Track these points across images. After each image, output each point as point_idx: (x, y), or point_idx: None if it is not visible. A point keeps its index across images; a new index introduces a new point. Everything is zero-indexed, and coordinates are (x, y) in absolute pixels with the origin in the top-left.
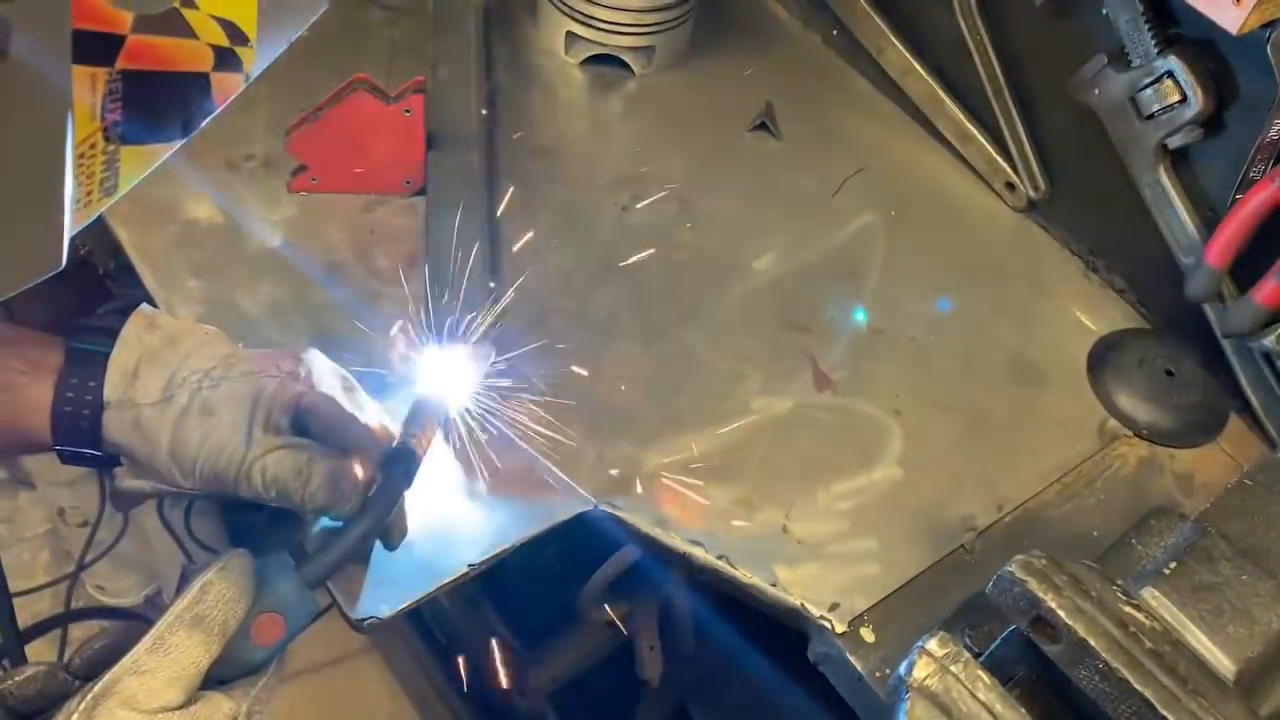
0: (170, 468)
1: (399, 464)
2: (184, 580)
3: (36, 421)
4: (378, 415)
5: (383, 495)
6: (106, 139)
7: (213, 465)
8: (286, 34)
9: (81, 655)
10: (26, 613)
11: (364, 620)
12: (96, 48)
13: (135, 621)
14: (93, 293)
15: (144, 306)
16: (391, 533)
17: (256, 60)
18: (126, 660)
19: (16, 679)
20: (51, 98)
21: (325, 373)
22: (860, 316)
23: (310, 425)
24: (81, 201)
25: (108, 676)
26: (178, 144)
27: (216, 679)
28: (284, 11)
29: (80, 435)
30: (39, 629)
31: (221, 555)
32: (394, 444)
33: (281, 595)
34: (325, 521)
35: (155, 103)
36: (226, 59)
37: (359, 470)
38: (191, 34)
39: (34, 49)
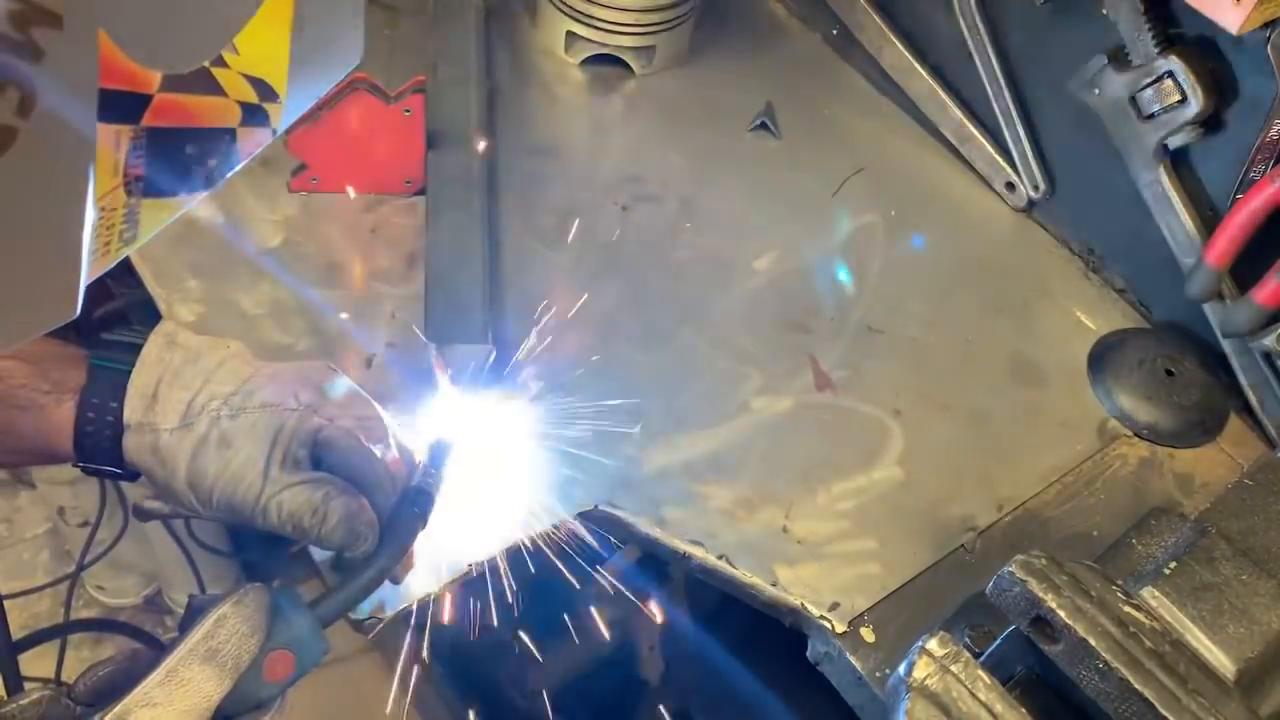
0: (187, 495)
1: (415, 505)
2: (192, 609)
3: (59, 440)
4: (398, 445)
5: (398, 537)
6: (128, 193)
7: (229, 498)
8: (317, 90)
9: (86, 681)
10: (26, 613)
11: (364, 620)
12: (123, 106)
13: (140, 645)
14: (93, 292)
15: (165, 322)
16: (399, 569)
17: (284, 116)
18: (138, 692)
19: (21, 703)
20: (75, 153)
21: (345, 401)
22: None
23: (328, 459)
24: (99, 252)
25: (118, 708)
26: (200, 197)
27: (224, 714)
28: (316, 68)
29: (101, 455)
30: (32, 640)
31: (238, 589)
32: (412, 482)
33: (294, 632)
34: None
35: (179, 157)
36: (254, 115)
37: (374, 511)
38: (220, 91)
39: (60, 106)
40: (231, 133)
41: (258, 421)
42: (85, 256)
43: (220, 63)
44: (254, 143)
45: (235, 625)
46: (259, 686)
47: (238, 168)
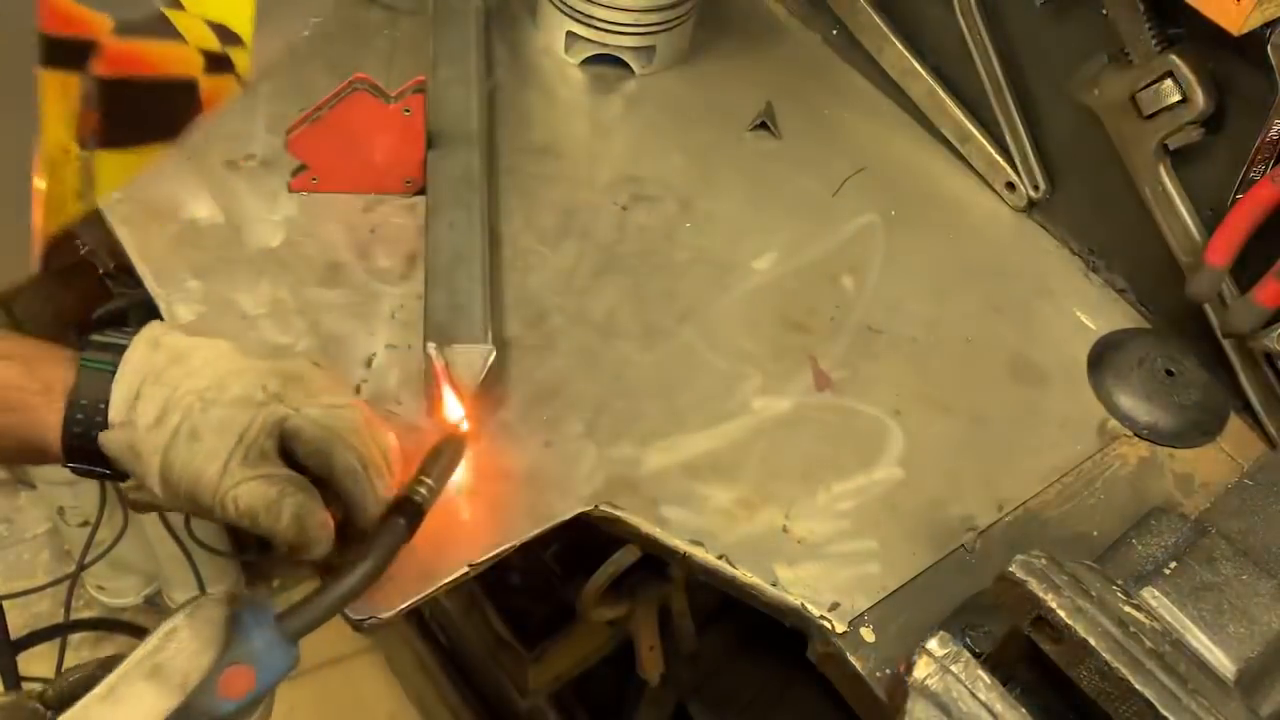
0: (162, 489)
1: (402, 515)
2: None
3: (50, 440)
4: (384, 440)
5: (380, 547)
6: (81, 145)
7: (191, 491)
8: (285, 34)
9: (56, 687)
10: (26, 613)
11: (364, 620)
12: (69, 53)
13: (123, 650)
14: (93, 293)
15: (153, 324)
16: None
17: (252, 62)
18: (76, 709)
19: None
20: (17, 104)
21: (314, 389)
22: (843, 276)
23: (297, 449)
24: (54, 207)
25: None
26: (163, 148)
27: None
28: (283, 11)
29: (91, 455)
30: (32, 640)
31: (196, 601)
32: (403, 491)
33: (256, 646)
34: None
35: (139, 109)
36: (218, 62)
37: (328, 512)
38: (179, 37)
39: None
40: (193, 82)
41: (226, 415)
42: (35, 208)
43: (176, 4)
44: (219, 93)
45: (185, 640)
46: (214, 704)
47: (216, 114)
